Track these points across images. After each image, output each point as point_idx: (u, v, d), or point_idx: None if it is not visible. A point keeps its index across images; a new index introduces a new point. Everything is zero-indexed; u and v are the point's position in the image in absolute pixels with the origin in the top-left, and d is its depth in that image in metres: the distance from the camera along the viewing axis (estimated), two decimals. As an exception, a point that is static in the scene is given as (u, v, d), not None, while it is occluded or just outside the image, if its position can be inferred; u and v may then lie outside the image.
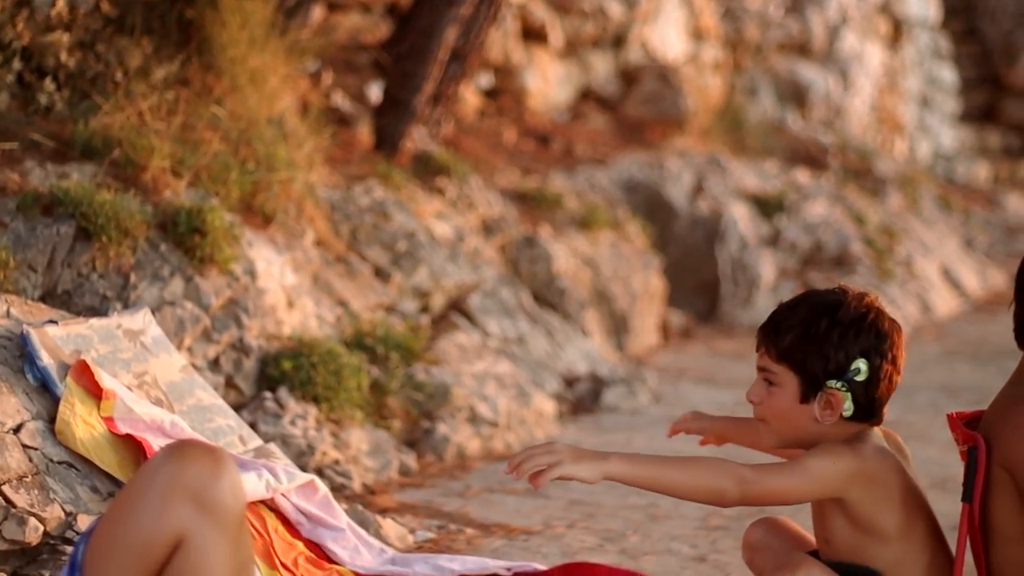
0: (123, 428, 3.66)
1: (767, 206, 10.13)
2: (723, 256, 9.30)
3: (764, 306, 9.23)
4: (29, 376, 3.77)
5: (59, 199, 4.59)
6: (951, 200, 13.84)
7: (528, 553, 4.21)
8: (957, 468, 3.02)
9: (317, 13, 7.77)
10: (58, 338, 3.87)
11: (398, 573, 3.61)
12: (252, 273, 5.04)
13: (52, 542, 3.46)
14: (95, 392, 3.72)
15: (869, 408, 2.95)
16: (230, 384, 4.86)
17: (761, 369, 3.00)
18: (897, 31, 15.00)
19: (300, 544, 3.62)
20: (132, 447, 3.66)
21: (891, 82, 14.84)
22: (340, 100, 7.51)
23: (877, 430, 3.01)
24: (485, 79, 9.58)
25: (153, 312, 4.40)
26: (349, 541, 3.70)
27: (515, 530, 4.49)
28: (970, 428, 2.95)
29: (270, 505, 3.66)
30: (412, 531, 4.36)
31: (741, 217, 9.59)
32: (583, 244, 7.91)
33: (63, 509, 3.49)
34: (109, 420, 3.67)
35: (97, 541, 2.67)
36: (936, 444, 5.91)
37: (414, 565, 3.64)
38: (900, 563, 2.93)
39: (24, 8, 5.19)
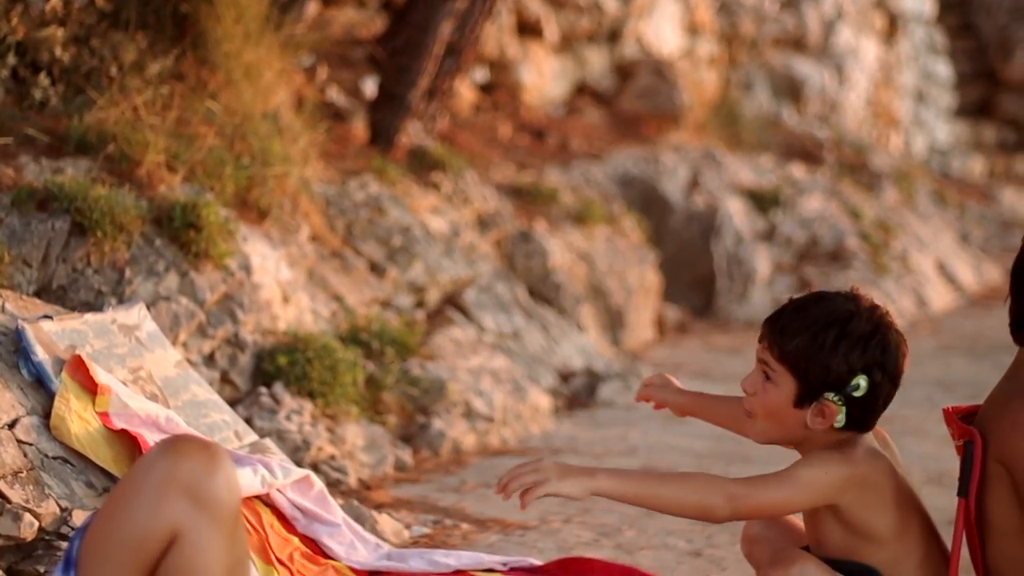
0: (118, 423, 3.65)
1: (762, 201, 10.13)
2: (718, 251, 9.30)
3: (760, 300, 9.23)
4: (24, 371, 3.76)
5: (54, 194, 4.59)
6: (946, 195, 13.84)
7: (524, 548, 4.21)
8: (953, 463, 3.02)
9: (312, 7, 7.77)
10: (53, 333, 3.86)
11: (394, 568, 3.60)
12: (247, 268, 5.03)
13: (47, 538, 3.46)
14: (90, 387, 3.71)
15: (861, 421, 2.93)
16: (225, 379, 4.85)
17: (761, 361, 2.97)
18: (892, 26, 15.00)
19: (296, 539, 3.61)
20: (127, 442, 3.65)
21: (886, 77, 14.84)
22: (335, 95, 7.50)
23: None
24: (480, 74, 9.57)
25: (148, 307, 4.40)
26: (345, 536, 3.70)
27: (511, 525, 4.49)
28: (966, 423, 2.94)
29: (266, 501, 3.65)
30: (408, 526, 4.36)
31: (736, 212, 9.59)
32: (578, 239, 7.91)
33: (58, 505, 3.49)
34: (104, 415, 3.66)
35: (92, 536, 2.67)
36: (932, 439, 5.92)
37: (410, 560, 3.63)
38: (895, 563, 2.93)
39: (18, 3, 5.18)
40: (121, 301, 4.54)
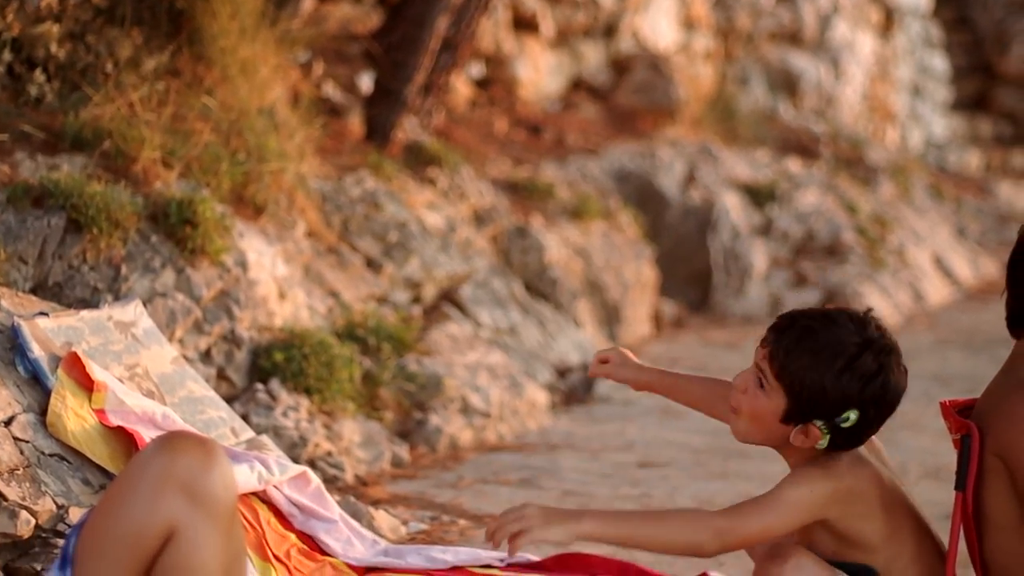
0: (114, 420, 3.65)
1: (759, 195, 10.12)
2: (715, 245, 9.30)
3: (756, 295, 9.23)
4: (20, 368, 3.75)
5: (49, 191, 4.58)
6: (943, 189, 13.84)
7: (521, 544, 4.20)
8: (950, 457, 3.01)
9: (308, 3, 7.76)
10: (49, 330, 3.86)
11: (391, 564, 3.60)
12: (243, 264, 5.03)
13: (44, 535, 3.45)
14: (86, 384, 3.71)
15: (844, 446, 2.91)
16: (222, 376, 4.85)
17: (758, 366, 2.94)
18: (888, 20, 15.00)
19: (293, 536, 3.61)
20: (123, 439, 3.65)
21: (882, 71, 14.83)
22: (331, 90, 7.50)
23: None
24: (476, 69, 9.56)
25: (144, 304, 4.39)
26: (342, 533, 3.70)
27: (508, 521, 4.48)
28: (963, 416, 2.94)
29: (262, 497, 3.65)
30: (405, 522, 4.36)
31: (733, 206, 9.59)
32: (575, 234, 7.91)
33: (54, 502, 3.48)
34: (100, 412, 3.66)
35: (88, 534, 2.66)
36: (929, 433, 5.92)
37: (407, 556, 3.63)
38: (887, 563, 2.92)
39: (14, -1, 5.17)
40: (117, 298, 4.54)
